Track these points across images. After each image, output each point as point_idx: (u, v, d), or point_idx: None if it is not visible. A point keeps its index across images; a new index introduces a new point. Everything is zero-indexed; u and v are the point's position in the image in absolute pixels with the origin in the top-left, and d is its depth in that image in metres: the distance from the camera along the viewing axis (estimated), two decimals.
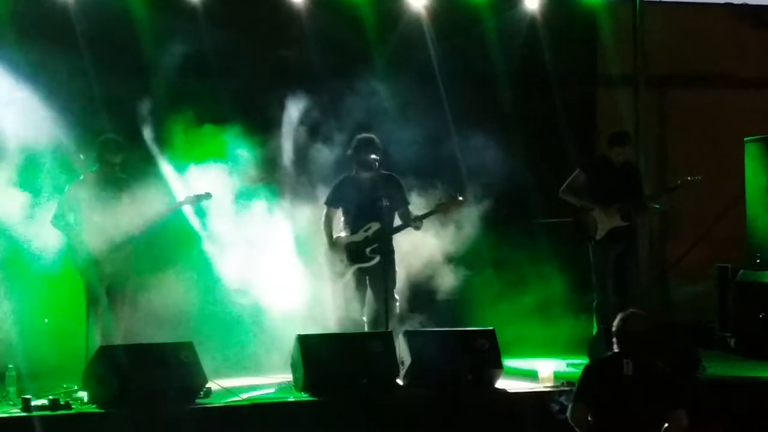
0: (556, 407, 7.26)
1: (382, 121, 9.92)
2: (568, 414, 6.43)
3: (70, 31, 9.54)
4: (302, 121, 9.80)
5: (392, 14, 10.82)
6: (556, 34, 11.30)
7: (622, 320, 6.45)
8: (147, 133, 9.10)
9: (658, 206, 10.31)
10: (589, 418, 6.34)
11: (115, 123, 9.23)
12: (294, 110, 9.77)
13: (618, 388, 6.31)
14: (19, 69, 9.24)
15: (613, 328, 6.48)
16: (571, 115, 11.42)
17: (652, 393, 6.30)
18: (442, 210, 9.25)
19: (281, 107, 9.80)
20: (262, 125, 9.87)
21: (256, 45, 10.08)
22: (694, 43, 12.12)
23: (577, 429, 6.38)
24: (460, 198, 9.28)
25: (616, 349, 6.45)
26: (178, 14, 9.99)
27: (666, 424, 6.29)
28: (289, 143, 9.82)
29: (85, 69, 9.52)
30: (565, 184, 9.84)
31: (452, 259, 9.58)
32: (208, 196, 9.00)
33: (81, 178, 8.81)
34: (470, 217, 9.67)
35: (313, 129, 9.87)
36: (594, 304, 9.89)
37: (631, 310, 6.59)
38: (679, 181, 9.91)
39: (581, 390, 6.43)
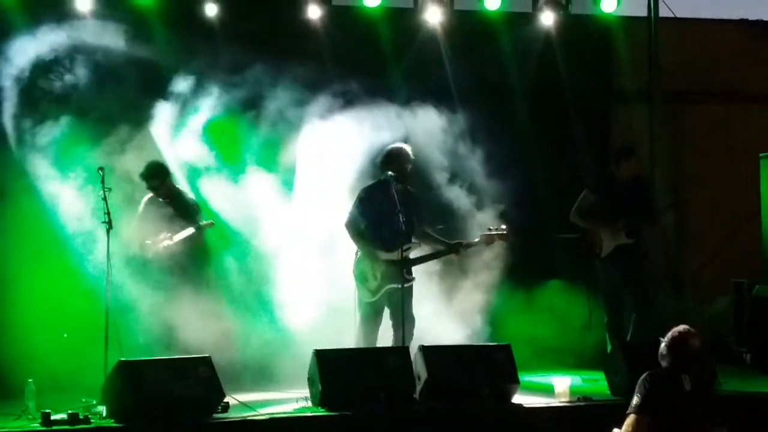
0: None
1: (397, 137, 9.92)
2: (627, 425, 6.28)
3: None
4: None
5: (408, 30, 10.84)
6: (571, 50, 11.31)
7: (682, 335, 6.40)
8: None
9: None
10: None
11: None
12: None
13: (678, 403, 6.27)
14: None
15: (668, 343, 6.40)
16: (586, 131, 11.44)
17: (705, 409, 6.31)
18: (486, 241, 9.09)
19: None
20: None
21: (273, 59, 10.10)
22: (709, 58, 12.12)
23: None
24: (504, 228, 9.11)
25: (665, 363, 6.39)
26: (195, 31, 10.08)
27: None
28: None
29: None
30: (574, 207, 9.81)
31: (466, 274, 9.61)
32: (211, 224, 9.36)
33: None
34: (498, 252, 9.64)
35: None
36: (605, 321, 9.88)
37: (685, 326, 6.48)
38: (688, 196, 9.89)
39: (646, 401, 6.29)
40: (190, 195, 9.67)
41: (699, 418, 6.31)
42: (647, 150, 11.78)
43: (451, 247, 9.09)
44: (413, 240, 8.99)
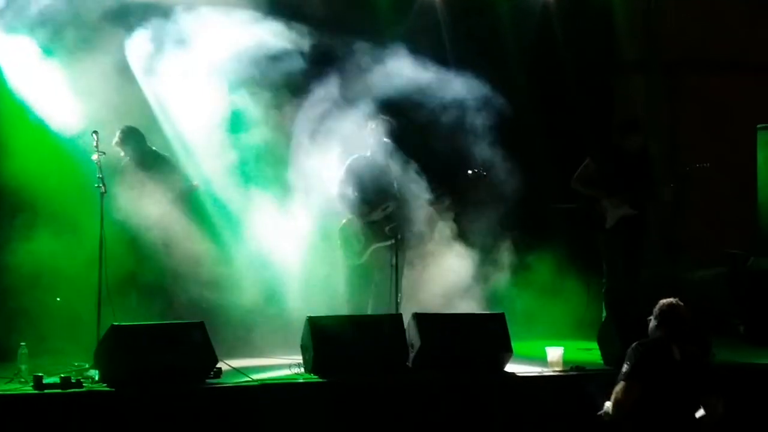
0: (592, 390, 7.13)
1: (390, 103, 9.84)
2: (616, 392, 6.34)
3: None
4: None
5: None
6: (569, 19, 11.23)
7: (670, 306, 6.46)
8: None
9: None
10: None
11: None
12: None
13: (668, 373, 6.32)
14: None
15: (657, 314, 6.48)
16: (586, 102, 11.37)
17: (696, 379, 6.34)
18: (464, 189, 9.32)
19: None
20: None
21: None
22: (709, 27, 12.03)
23: (615, 409, 6.32)
24: (485, 174, 9.28)
25: (656, 333, 6.46)
26: None
27: (701, 411, 6.31)
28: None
29: None
30: (576, 174, 9.80)
31: (463, 241, 9.58)
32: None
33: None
34: (480, 201, 9.63)
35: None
36: (603, 290, 9.88)
37: (674, 299, 6.57)
38: (687, 168, 9.86)
39: (636, 369, 6.33)
40: (166, 154, 9.52)
41: (690, 387, 6.35)
42: (646, 121, 11.71)
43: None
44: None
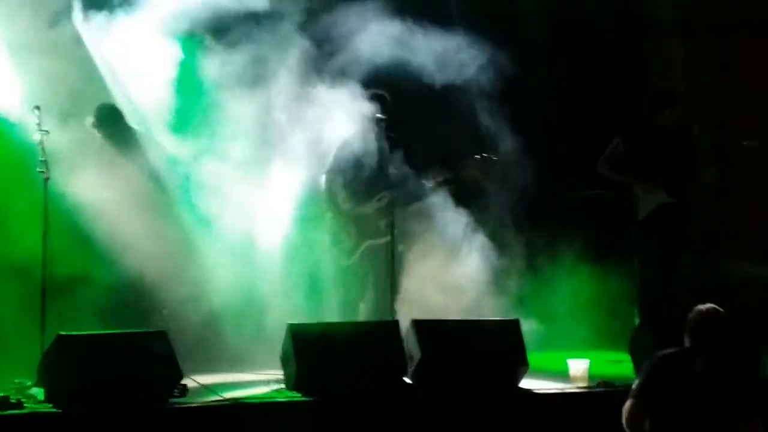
0: None
1: (390, 71, 9.83)
2: (625, 411, 6.41)
3: None
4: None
5: None
6: None
7: (698, 313, 6.47)
8: None
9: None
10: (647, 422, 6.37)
11: None
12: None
13: (686, 388, 6.34)
14: None
15: (688, 321, 6.49)
16: (614, 68, 11.36)
17: (725, 396, 6.34)
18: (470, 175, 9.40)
19: None
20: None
21: None
22: None
23: (627, 429, 6.38)
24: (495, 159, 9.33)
25: (686, 343, 6.47)
26: None
27: None
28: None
29: None
30: (602, 157, 9.81)
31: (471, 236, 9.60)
32: None
33: None
34: (495, 188, 9.64)
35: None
36: (636, 291, 9.89)
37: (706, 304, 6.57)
38: (739, 146, 9.88)
39: (647, 385, 6.41)
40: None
41: (714, 406, 6.32)
42: (685, 92, 11.71)
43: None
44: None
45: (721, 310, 6.54)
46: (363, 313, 9.38)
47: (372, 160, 9.32)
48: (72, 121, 9.11)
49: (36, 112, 8.37)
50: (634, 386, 6.47)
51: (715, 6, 11.94)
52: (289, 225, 9.60)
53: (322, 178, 9.44)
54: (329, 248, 9.49)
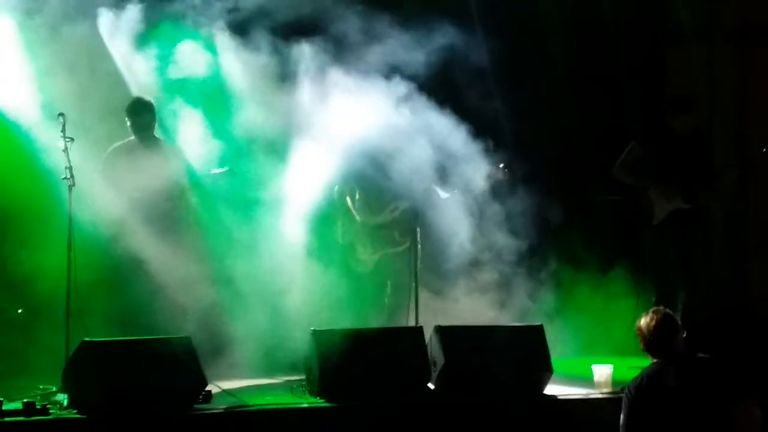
0: None
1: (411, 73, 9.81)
2: None
3: None
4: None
5: None
6: None
7: (656, 320, 6.44)
8: None
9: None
10: None
11: None
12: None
13: (668, 405, 6.32)
14: None
15: (642, 331, 6.46)
16: (635, 75, 11.35)
17: (706, 395, 6.29)
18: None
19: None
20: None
21: None
22: None
23: None
24: (506, 170, 9.36)
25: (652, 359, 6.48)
26: None
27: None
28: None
29: None
30: (618, 160, 9.78)
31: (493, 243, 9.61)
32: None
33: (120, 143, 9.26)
34: (514, 191, 9.64)
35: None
36: (653, 299, 9.86)
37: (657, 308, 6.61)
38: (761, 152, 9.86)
39: (631, 419, 6.41)
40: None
41: (699, 409, 6.28)
42: (706, 98, 11.70)
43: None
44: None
45: (666, 312, 6.51)
46: (383, 320, 9.33)
47: (385, 165, 9.25)
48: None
49: (60, 119, 8.38)
50: (620, 423, 6.46)
51: (736, 12, 11.91)
52: (309, 233, 9.59)
53: (335, 189, 9.44)
54: (347, 256, 9.51)
